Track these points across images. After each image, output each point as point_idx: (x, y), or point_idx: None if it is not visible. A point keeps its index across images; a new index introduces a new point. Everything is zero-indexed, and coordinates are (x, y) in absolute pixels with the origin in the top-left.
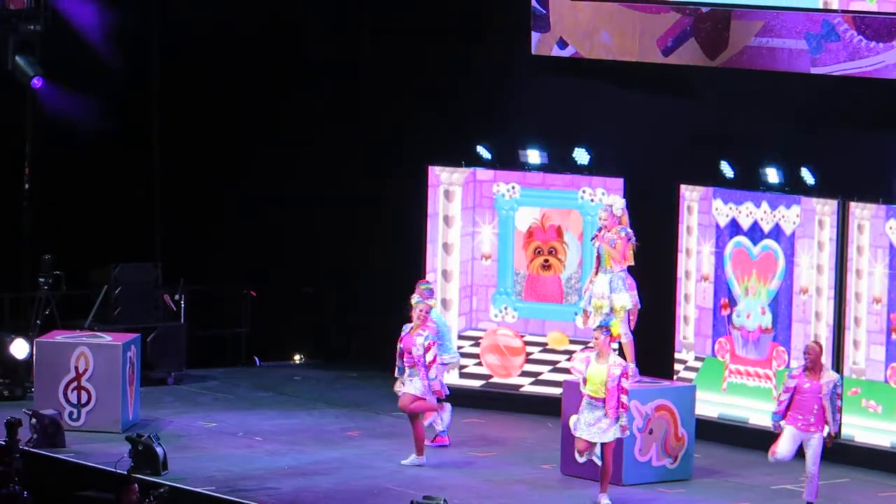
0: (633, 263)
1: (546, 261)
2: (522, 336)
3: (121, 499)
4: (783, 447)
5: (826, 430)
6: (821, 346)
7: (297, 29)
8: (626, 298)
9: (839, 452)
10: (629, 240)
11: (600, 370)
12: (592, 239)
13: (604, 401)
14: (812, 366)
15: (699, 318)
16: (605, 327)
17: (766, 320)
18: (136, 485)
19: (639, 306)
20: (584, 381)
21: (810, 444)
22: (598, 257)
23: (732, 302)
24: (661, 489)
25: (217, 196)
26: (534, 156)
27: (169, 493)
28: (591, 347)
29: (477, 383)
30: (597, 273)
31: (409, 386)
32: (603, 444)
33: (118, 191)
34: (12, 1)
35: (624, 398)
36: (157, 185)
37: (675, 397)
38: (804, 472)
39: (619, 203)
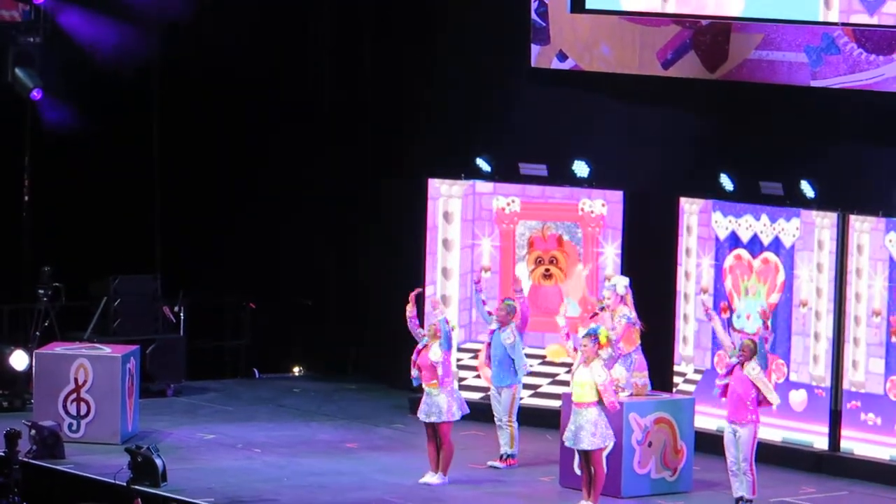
0: (638, 345)
1: (547, 270)
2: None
3: None
4: (727, 456)
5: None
6: (755, 344)
7: (298, 42)
8: (620, 372)
9: (839, 465)
10: (632, 324)
11: (584, 375)
12: (592, 316)
13: (586, 405)
14: (746, 361)
15: (698, 330)
16: (593, 335)
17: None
18: (139, 500)
19: (648, 387)
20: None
21: (740, 436)
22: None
23: (732, 308)
24: (659, 502)
25: (216, 208)
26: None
27: None
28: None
29: (476, 395)
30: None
31: (433, 405)
32: (588, 452)
33: (118, 202)
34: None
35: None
36: (157, 197)
37: (674, 410)
38: (737, 466)
39: (622, 282)
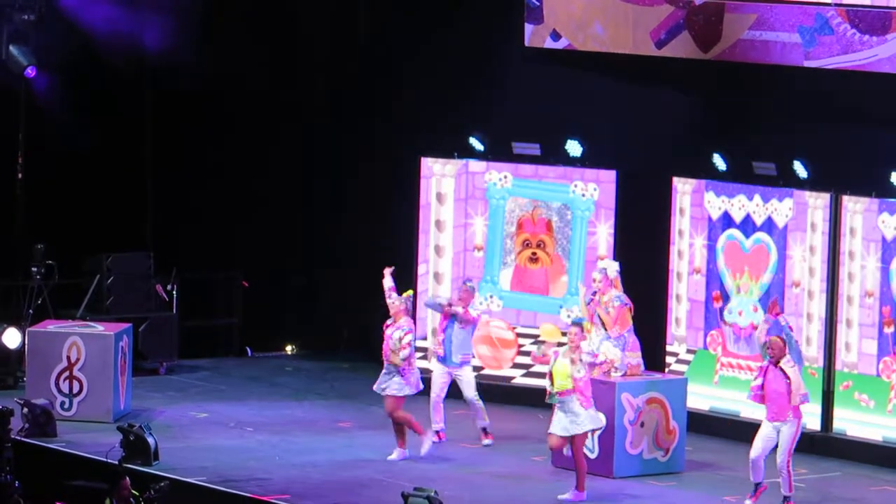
0: (630, 326)
1: (534, 254)
2: (514, 328)
3: (112, 495)
4: (754, 447)
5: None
6: (783, 341)
7: (293, 19)
8: (615, 353)
9: (831, 446)
10: (624, 305)
11: (564, 364)
12: (588, 303)
13: (569, 393)
14: (777, 360)
15: (691, 310)
16: (578, 324)
17: (759, 318)
18: (128, 479)
19: (642, 367)
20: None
21: (782, 433)
22: (595, 318)
23: (725, 297)
24: (652, 482)
25: (210, 186)
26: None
27: (170, 486)
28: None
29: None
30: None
31: (393, 387)
32: (573, 437)
33: (111, 180)
34: None
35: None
36: (150, 175)
37: (666, 390)
38: (759, 458)
39: (613, 267)
